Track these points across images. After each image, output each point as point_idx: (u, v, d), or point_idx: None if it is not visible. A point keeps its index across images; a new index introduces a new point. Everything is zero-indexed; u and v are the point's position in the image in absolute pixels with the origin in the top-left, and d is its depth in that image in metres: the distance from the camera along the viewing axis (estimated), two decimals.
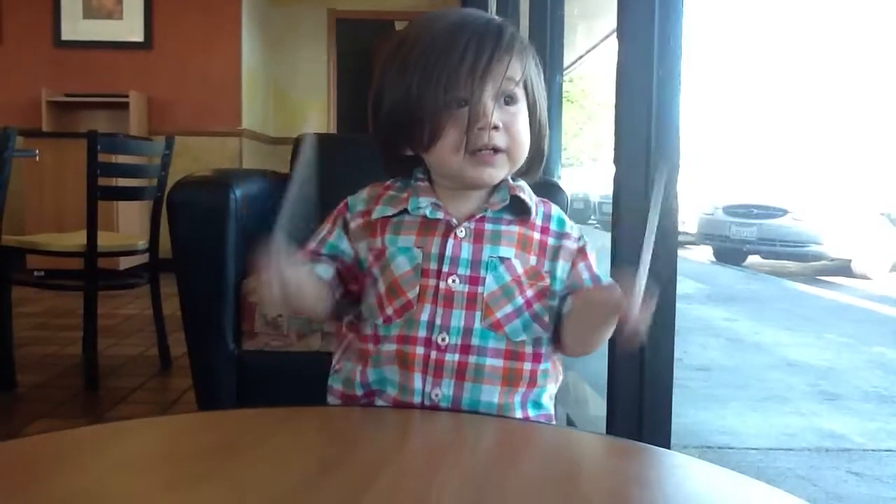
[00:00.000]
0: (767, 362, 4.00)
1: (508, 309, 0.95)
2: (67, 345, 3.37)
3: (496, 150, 0.94)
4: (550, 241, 1.00)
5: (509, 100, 0.95)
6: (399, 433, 0.85)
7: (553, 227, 1.01)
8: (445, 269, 0.94)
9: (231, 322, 1.80)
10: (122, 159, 3.24)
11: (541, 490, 0.68)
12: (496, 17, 1.00)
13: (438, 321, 0.93)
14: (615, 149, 1.53)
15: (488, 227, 0.97)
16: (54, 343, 3.48)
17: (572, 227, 1.02)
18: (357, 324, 1.01)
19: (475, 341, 0.93)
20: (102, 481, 0.67)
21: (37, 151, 3.83)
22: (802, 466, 2.43)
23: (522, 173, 1.03)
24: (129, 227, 5.08)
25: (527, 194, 1.01)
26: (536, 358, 0.97)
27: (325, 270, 0.99)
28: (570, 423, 2.22)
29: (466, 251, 0.95)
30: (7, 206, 2.76)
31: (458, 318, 0.93)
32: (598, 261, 1.04)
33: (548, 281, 0.98)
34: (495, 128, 0.93)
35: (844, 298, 6.65)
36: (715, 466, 0.75)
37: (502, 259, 0.96)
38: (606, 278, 1.00)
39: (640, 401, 1.51)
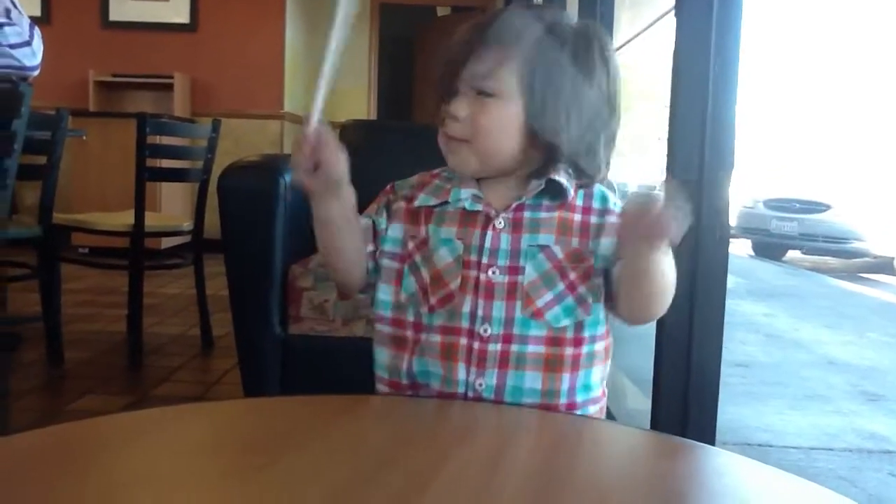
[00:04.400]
0: (807, 360, 3.95)
1: (549, 297, 0.95)
2: (112, 322, 3.43)
3: (452, 139, 0.97)
4: (593, 219, 0.99)
5: (483, 92, 0.95)
6: (456, 427, 0.85)
7: (596, 205, 1.00)
8: (485, 260, 0.95)
9: (278, 306, 1.82)
10: (168, 141, 3.28)
11: (600, 489, 0.68)
12: (514, 10, 0.98)
13: (480, 312, 0.94)
14: (668, 143, 1.52)
15: (527, 214, 0.98)
16: (99, 320, 3.55)
17: (616, 204, 1.01)
18: (389, 314, 1.02)
19: (517, 330, 0.94)
20: (161, 466, 0.69)
21: (84, 132, 3.89)
22: (843, 467, 2.40)
23: (535, 170, 1.00)
24: (170, 207, 5.16)
25: (564, 176, 0.99)
26: (578, 342, 0.96)
27: (362, 220, 1.02)
28: (609, 415, 2.21)
29: (505, 242, 0.96)
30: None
31: (499, 309, 0.94)
32: None
33: (592, 261, 0.97)
34: (454, 117, 0.96)
35: (887, 297, 6.54)
36: (769, 467, 0.75)
37: (541, 247, 0.96)
38: None
39: (686, 397, 1.50)
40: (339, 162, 0.90)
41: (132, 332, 2.92)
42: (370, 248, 1.02)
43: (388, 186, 1.07)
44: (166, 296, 4.15)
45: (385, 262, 1.02)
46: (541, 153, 0.98)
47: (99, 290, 4.18)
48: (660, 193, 0.81)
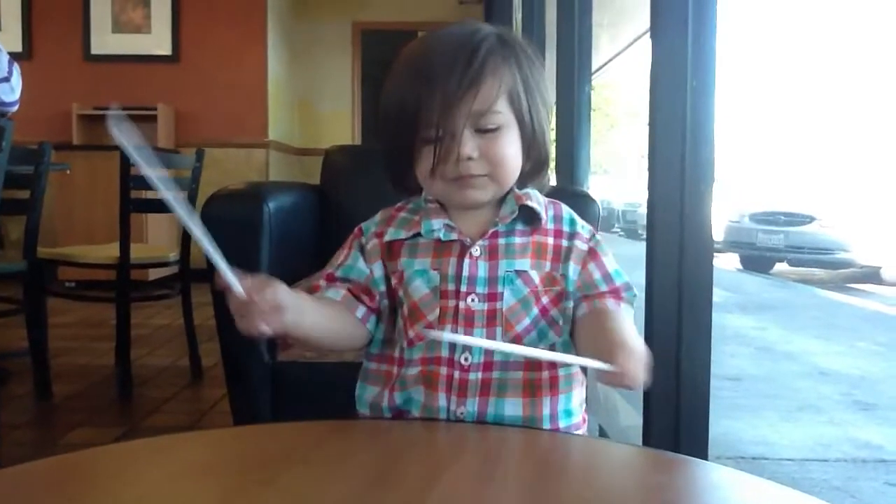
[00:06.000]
0: (799, 371, 3.96)
1: (526, 321, 0.95)
2: (100, 355, 3.40)
3: (472, 177, 0.95)
4: (564, 242, 1.00)
5: (485, 128, 0.94)
6: (446, 446, 0.85)
7: (565, 227, 1.01)
8: (463, 289, 0.95)
9: None
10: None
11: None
12: (477, 32, 0.97)
13: None
14: (649, 158, 1.53)
15: (501, 241, 0.98)
16: (87, 353, 3.52)
17: (583, 227, 1.02)
18: (376, 351, 1.02)
19: (497, 357, 0.94)
20: (159, 492, 0.68)
21: (69, 166, 3.88)
22: (839, 477, 2.40)
23: (525, 182, 1.02)
24: (157, 238, 5.13)
25: (535, 201, 1.00)
26: (553, 364, 0.96)
27: (335, 293, 0.99)
28: (602, 433, 2.21)
29: (483, 269, 0.96)
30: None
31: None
32: (619, 263, 1.03)
33: (563, 284, 0.98)
34: (469, 158, 0.93)
35: (875, 306, 6.56)
36: (761, 480, 0.75)
37: (519, 272, 0.96)
38: (620, 278, 0.99)
39: (677, 411, 1.50)
40: (276, 293, 0.82)
41: (121, 364, 2.90)
42: (361, 311, 0.99)
43: (356, 230, 1.06)
44: (155, 327, 4.13)
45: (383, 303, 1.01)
46: (531, 165, 1.01)
47: (87, 324, 4.15)
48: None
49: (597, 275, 0.99)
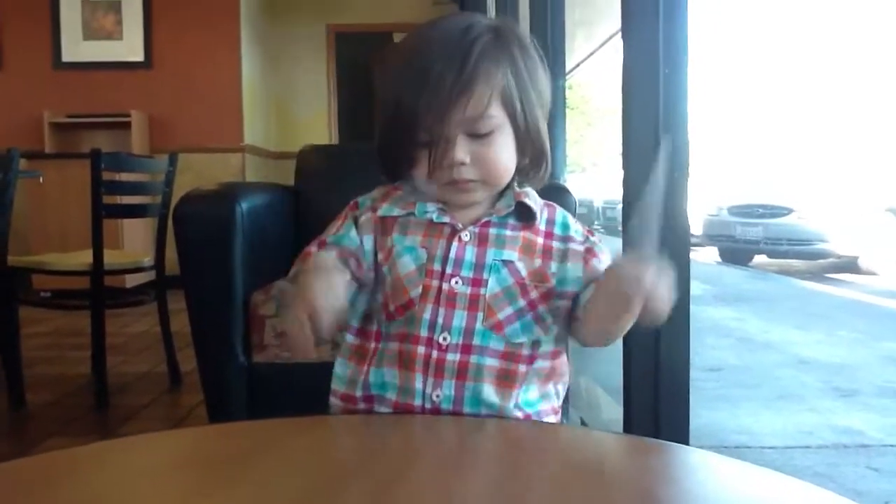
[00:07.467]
0: (779, 361, 3.97)
1: (509, 311, 0.95)
2: (76, 364, 3.36)
3: (466, 181, 0.95)
4: (555, 244, 1.00)
5: (478, 132, 0.94)
6: (417, 439, 0.84)
7: (557, 231, 1.01)
8: (449, 270, 0.95)
9: (240, 335, 1.79)
10: (125, 177, 3.24)
11: (567, 489, 0.67)
12: (471, 29, 0.95)
13: (440, 320, 0.93)
14: (623, 151, 1.52)
15: (492, 231, 0.98)
16: (63, 362, 3.48)
17: (576, 231, 1.02)
18: (357, 324, 1.00)
19: (476, 341, 0.93)
20: (121, 492, 0.67)
21: (41, 174, 3.83)
22: (821, 464, 2.41)
23: (525, 178, 1.03)
24: (133, 244, 5.08)
25: (532, 199, 1.01)
26: (531, 360, 0.96)
27: (327, 254, 0.96)
28: (583, 425, 2.20)
29: (470, 254, 0.96)
30: (12, 227, 2.75)
31: (460, 319, 0.93)
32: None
33: (553, 282, 0.97)
34: (462, 163, 0.93)
35: (853, 295, 6.62)
36: (740, 462, 0.74)
37: (505, 262, 0.96)
38: None
39: (657, 402, 1.49)
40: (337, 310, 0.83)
41: (97, 372, 2.85)
42: (347, 274, 0.96)
43: (352, 203, 1.06)
44: (131, 334, 4.08)
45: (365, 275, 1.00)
46: (528, 160, 1.01)
47: (62, 333, 4.10)
48: (646, 260, 0.79)
49: (601, 266, 0.98)
